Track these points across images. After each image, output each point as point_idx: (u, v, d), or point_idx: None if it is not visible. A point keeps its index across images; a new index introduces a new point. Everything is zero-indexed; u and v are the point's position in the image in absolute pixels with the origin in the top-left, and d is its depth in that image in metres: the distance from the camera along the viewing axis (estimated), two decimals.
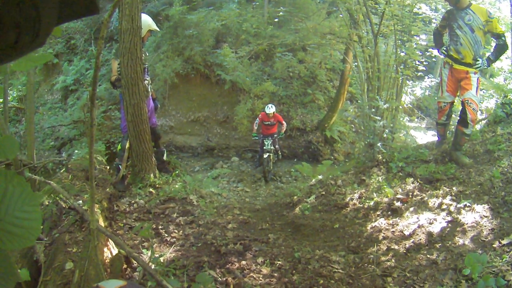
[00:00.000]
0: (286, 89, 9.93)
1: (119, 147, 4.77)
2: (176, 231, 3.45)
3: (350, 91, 9.88)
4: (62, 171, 4.05)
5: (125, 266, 2.63)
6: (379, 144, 5.02)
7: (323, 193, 4.85)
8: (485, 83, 8.97)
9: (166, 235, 3.32)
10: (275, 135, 8.19)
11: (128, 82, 4.08)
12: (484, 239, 2.83)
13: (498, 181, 3.54)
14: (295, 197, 5.15)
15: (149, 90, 4.72)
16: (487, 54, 4.34)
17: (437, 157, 4.49)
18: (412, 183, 4.11)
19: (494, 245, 2.69)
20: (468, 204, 3.30)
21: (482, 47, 4.09)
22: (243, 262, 2.86)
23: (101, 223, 2.91)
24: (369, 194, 4.26)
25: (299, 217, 4.34)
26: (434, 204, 3.56)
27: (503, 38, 3.99)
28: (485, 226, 2.97)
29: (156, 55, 9.95)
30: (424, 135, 10.88)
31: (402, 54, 5.45)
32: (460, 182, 3.78)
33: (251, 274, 2.70)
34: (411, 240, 3.12)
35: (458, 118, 4.25)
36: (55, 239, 2.53)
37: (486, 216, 3.09)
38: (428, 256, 2.81)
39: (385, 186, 4.22)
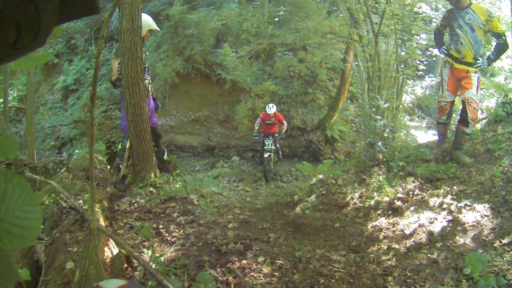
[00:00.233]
0: (286, 88, 9.92)
1: (119, 146, 4.78)
2: (177, 230, 3.45)
3: (351, 90, 9.87)
4: (62, 170, 4.04)
5: (125, 265, 2.63)
6: (379, 144, 5.03)
7: (324, 192, 4.84)
8: (486, 82, 8.95)
9: (167, 234, 3.32)
10: (276, 135, 8.19)
11: (129, 82, 4.08)
12: (485, 238, 2.83)
13: (499, 180, 3.54)
14: (296, 196, 5.15)
15: (150, 89, 4.72)
16: (488, 53, 4.34)
17: (438, 156, 4.48)
18: (413, 182, 4.11)
19: (494, 244, 2.69)
20: (468, 203, 3.30)
21: (482, 47, 4.09)
22: (244, 262, 2.86)
23: (102, 222, 2.92)
24: (370, 193, 4.26)
25: (299, 217, 4.34)
26: (434, 203, 3.56)
27: (503, 37, 3.98)
28: (486, 225, 2.97)
29: (157, 54, 9.95)
30: (424, 135, 10.86)
31: (403, 53, 5.45)
32: (460, 181, 3.78)
33: (252, 274, 2.70)
34: (412, 239, 3.12)
35: (459, 117, 4.25)
36: (56, 239, 2.53)
37: (486, 215, 3.09)
38: (429, 255, 2.81)
39: (385, 186, 4.22)
